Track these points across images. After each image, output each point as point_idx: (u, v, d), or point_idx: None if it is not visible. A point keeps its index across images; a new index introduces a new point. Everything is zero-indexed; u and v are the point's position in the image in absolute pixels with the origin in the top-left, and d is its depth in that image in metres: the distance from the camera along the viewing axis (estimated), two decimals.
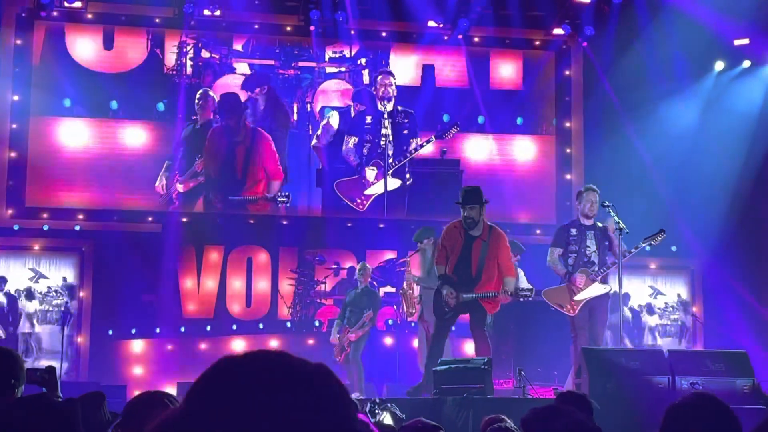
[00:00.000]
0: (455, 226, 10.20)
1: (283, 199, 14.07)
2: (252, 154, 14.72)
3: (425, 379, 10.13)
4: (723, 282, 14.98)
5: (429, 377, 9.95)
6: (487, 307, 10.15)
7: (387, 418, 7.94)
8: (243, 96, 14.91)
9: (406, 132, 14.52)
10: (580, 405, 5.08)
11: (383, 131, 14.37)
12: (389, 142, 14.34)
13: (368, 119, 14.43)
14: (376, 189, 14.44)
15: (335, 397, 1.38)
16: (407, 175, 14.55)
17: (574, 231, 10.68)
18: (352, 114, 15.03)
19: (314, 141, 15.23)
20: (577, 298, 10.44)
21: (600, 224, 10.60)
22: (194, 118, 14.93)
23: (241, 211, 14.88)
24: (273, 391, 1.33)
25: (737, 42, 15.10)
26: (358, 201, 14.63)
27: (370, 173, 14.47)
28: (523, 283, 12.34)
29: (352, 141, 14.59)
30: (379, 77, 14.57)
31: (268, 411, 1.31)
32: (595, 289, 10.43)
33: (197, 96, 14.80)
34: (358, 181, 14.62)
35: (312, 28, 15.20)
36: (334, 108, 15.45)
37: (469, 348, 12.22)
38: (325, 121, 15.21)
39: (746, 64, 15.38)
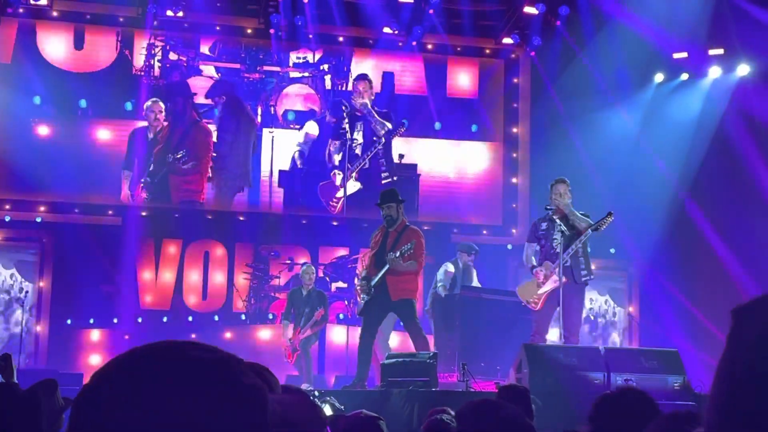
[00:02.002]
0: (379, 228, 10.73)
1: None
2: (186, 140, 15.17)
3: (357, 376, 10.39)
4: (658, 283, 15.60)
5: (360, 375, 10.35)
6: (400, 287, 10.23)
7: (326, 410, 8.32)
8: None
9: (375, 139, 15.03)
10: (520, 399, 5.32)
11: (355, 135, 14.94)
12: (359, 145, 14.92)
13: (344, 124, 14.91)
14: (341, 192, 15.03)
15: (241, 391, 1.31)
16: (384, 175, 15.03)
17: (544, 225, 10.66)
18: (327, 119, 15.54)
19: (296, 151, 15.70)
20: (540, 291, 10.44)
21: (574, 212, 10.43)
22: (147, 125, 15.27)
23: (198, 207, 15.32)
24: (169, 382, 1.27)
25: (676, 55, 15.71)
26: (332, 203, 15.22)
27: (337, 177, 15.05)
28: (475, 282, 12.93)
29: (332, 145, 15.21)
30: (356, 82, 15.09)
31: (162, 403, 1.25)
32: (558, 282, 10.32)
33: (146, 106, 15.14)
34: (332, 184, 15.22)
35: (272, 31, 15.61)
36: (297, 111, 15.91)
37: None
38: (303, 131, 15.68)
39: (684, 76, 15.98)
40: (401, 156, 15.37)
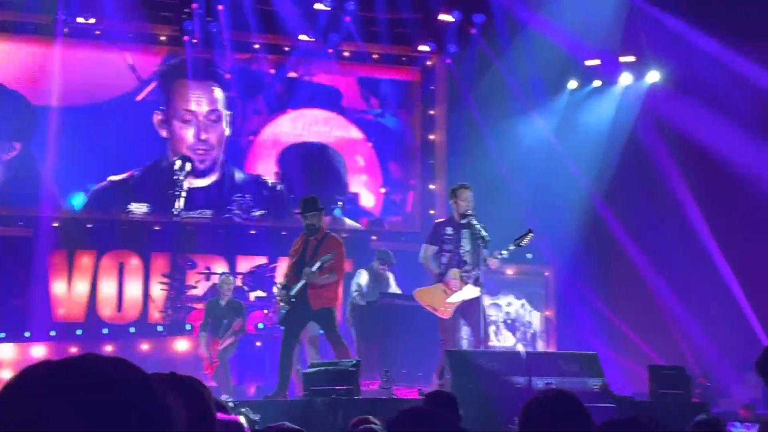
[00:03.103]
0: (300, 236, 10.63)
1: None
2: None
3: (279, 386, 10.24)
4: (574, 287, 15.83)
5: (282, 385, 10.26)
6: (321, 296, 10.12)
7: (241, 421, 8.20)
8: None
9: None
10: (448, 405, 5.30)
11: None
12: None
13: None
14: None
15: (143, 398, 1.30)
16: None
17: (450, 230, 10.21)
18: None
19: None
20: (449, 300, 10.09)
21: (474, 223, 10.06)
22: None
23: (114, 216, 15.09)
24: (69, 397, 1.26)
25: (589, 62, 16.01)
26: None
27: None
28: (393, 288, 12.90)
29: None
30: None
31: (60, 419, 1.24)
32: (468, 292, 10.04)
33: None
34: None
35: (186, 38, 15.43)
36: None
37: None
38: None
39: (597, 83, 16.30)
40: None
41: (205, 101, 15.93)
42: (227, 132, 15.98)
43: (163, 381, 2.32)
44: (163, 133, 15.70)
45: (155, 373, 2.38)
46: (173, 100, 15.82)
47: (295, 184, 16.03)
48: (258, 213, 15.73)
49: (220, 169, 15.88)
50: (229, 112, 16.04)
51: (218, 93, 16.01)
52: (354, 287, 12.80)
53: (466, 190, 10.28)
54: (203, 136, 15.80)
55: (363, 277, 12.82)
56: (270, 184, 16.04)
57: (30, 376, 1.30)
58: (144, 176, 15.48)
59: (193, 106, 15.86)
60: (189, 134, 15.80)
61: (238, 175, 15.96)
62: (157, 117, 15.69)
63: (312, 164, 16.26)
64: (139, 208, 15.30)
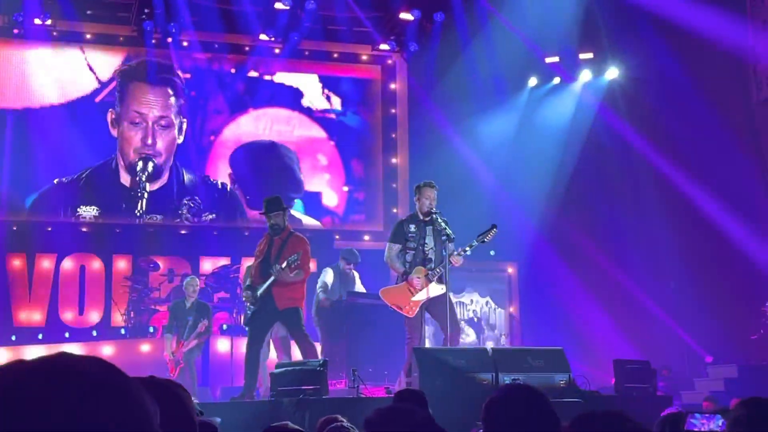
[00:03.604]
0: (264, 236, 10.58)
1: None
2: None
3: (245, 387, 10.20)
4: (537, 284, 15.93)
5: (248, 386, 10.23)
6: (287, 296, 10.08)
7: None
8: None
9: None
10: (418, 403, 5.35)
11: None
12: None
13: None
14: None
15: (120, 396, 1.29)
16: None
17: (413, 227, 10.11)
18: None
19: None
20: (414, 298, 10.02)
21: (439, 220, 10.02)
22: None
23: (71, 219, 14.94)
24: (43, 393, 1.23)
25: (548, 60, 16.12)
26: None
27: None
28: (358, 287, 12.91)
29: None
30: None
31: (37, 415, 1.21)
32: (433, 290, 10.01)
33: None
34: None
35: (145, 38, 15.32)
36: None
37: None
38: None
39: (557, 80, 16.41)
40: None
41: (157, 107, 15.84)
42: (179, 140, 15.91)
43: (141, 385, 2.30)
44: (114, 133, 15.60)
45: (134, 377, 2.36)
46: (127, 100, 15.72)
47: (248, 184, 16.00)
48: (209, 216, 15.67)
49: (168, 173, 15.80)
50: (183, 120, 15.95)
51: (172, 100, 15.91)
52: (319, 285, 12.79)
53: (430, 189, 10.22)
54: (149, 141, 15.70)
55: (329, 276, 12.81)
56: (220, 186, 15.99)
57: (4, 375, 1.27)
58: (91, 178, 15.38)
59: (144, 110, 15.76)
60: (137, 137, 15.71)
61: (188, 178, 15.88)
62: (110, 116, 15.60)
63: (263, 163, 16.23)
64: (87, 212, 15.19)
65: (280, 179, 16.14)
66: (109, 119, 15.55)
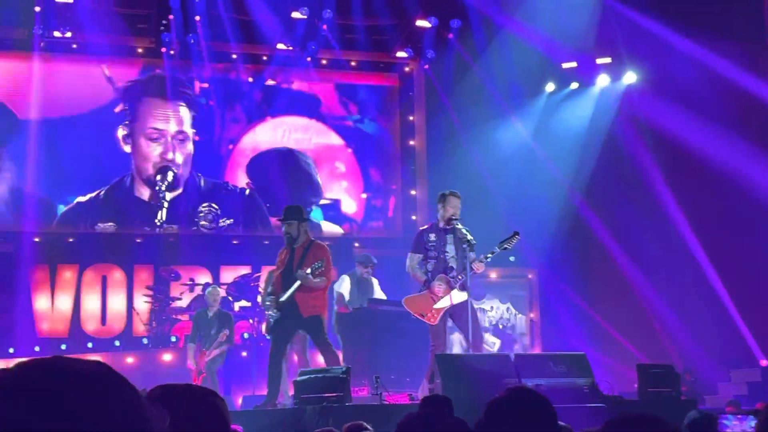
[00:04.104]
0: (285, 246, 10.57)
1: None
2: None
3: (269, 395, 10.19)
4: (558, 288, 15.90)
5: (271, 394, 10.24)
6: (310, 304, 10.09)
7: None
8: None
9: None
10: (444, 409, 5.37)
11: None
12: None
13: None
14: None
15: (117, 397, 1.29)
16: None
17: (432, 236, 10.20)
18: None
19: None
20: (437, 306, 10.08)
21: (460, 227, 10.09)
22: None
23: (101, 222, 15.08)
24: (43, 395, 1.23)
25: (565, 65, 16.11)
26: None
27: None
28: (377, 292, 12.90)
29: None
30: None
31: (38, 417, 1.21)
32: (455, 297, 10.03)
33: None
34: None
35: (163, 50, 15.41)
36: None
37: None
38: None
39: (574, 85, 16.41)
40: None
41: (175, 121, 15.91)
42: (192, 151, 16.00)
43: (178, 392, 2.32)
44: (127, 149, 15.66)
45: (172, 384, 2.39)
46: (142, 116, 15.78)
47: (267, 191, 16.07)
48: (226, 221, 15.70)
49: (184, 185, 15.88)
50: (194, 131, 16.04)
51: (185, 113, 15.98)
52: (335, 298, 12.77)
53: (455, 198, 10.32)
54: (170, 156, 15.77)
55: (345, 286, 12.78)
56: (238, 191, 16.05)
57: (3, 376, 1.27)
58: (108, 195, 15.46)
59: (161, 125, 15.84)
60: (155, 152, 15.76)
61: (206, 185, 15.94)
62: (121, 132, 15.64)
63: (281, 170, 16.28)
64: (105, 229, 15.29)
65: (300, 185, 16.21)
66: (120, 136, 15.60)
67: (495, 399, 3.36)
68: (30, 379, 1.25)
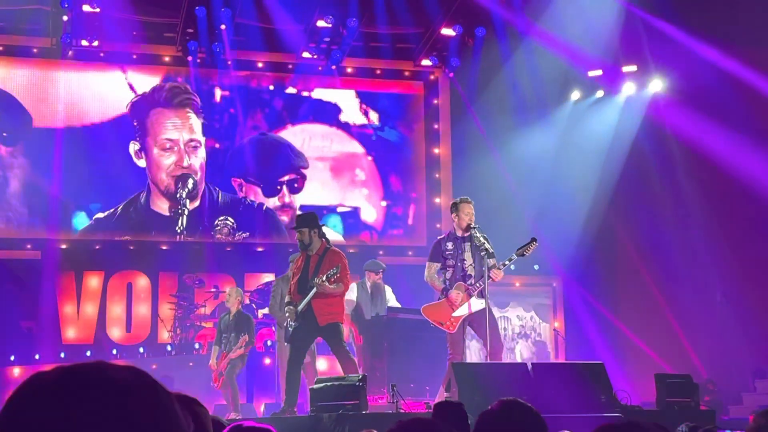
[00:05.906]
0: (300, 254, 10.55)
1: None
2: None
3: (286, 403, 10.17)
4: (581, 297, 15.83)
5: (289, 402, 10.23)
6: (327, 311, 10.05)
7: None
8: None
9: None
10: (457, 415, 5.35)
11: None
12: None
13: None
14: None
15: (155, 406, 1.31)
16: None
17: (450, 245, 10.18)
18: None
19: None
20: (455, 314, 10.04)
21: (477, 235, 10.05)
22: None
23: (118, 237, 15.16)
24: (84, 403, 1.26)
25: (591, 73, 16.05)
26: None
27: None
28: (390, 298, 12.86)
29: None
30: None
31: (78, 424, 1.24)
32: (474, 304, 10.04)
33: None
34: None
35: (189, 58, 15.53)
36: None
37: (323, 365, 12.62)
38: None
39: (600, 93, 16.33)
40: None
41: (185, 129, 15.97)
42: (205, 159, 16.05)
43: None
44: (141, 163, 15.71)
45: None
46: (152, 129, 15.80)
47: (260, 177, 16.11)
48: (243, 235, 15.75)
49: (201, 195, 15.94)
50: (204, 138, 16.12)
51: (194, 120, 16.05)
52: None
53: (467, 204, 10.26)
54: (185, 164, 15.84)
55: (350, 294, 12.60)
56: (256, 205, 16.06)
57: (40, 379, 1.31)
58: (125, 211, 15.51)
59: (173, 135, 15.89)
60: (169, 161, 15.82)
61: (222, 198, 15.98)
62: (133, 147, 15.70)
63: (256, 154, 16.26)
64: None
65: (282, 158, 16.24)
66: (132, 151, 15.68)
67: (487, 411, 3.36)
68: (66, 382, 1.29)
